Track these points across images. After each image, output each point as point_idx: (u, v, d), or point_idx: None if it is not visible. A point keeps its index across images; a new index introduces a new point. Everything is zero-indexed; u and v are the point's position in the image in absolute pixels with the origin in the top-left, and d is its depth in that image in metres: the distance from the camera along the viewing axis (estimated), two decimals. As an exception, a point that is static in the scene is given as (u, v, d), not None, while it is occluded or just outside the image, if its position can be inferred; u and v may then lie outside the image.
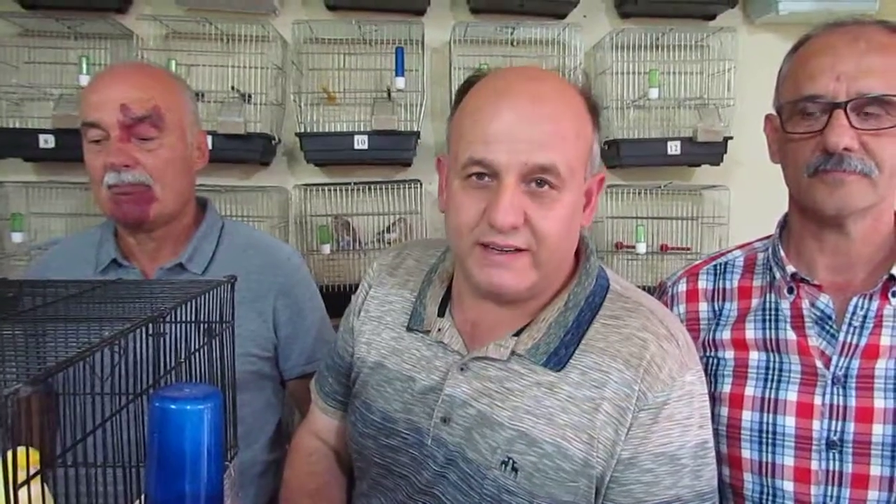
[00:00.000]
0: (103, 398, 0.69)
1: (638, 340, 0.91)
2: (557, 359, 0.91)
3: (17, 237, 2.17)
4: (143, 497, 0.67)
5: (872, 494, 0.97)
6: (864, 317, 1.01)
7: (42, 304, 0.76)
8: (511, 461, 0.90)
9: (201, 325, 0.82)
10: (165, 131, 1.27)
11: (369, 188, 2.30)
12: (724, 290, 1.16)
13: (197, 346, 0.75)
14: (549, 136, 0.86)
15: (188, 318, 0.78)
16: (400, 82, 2.20)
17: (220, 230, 1.40)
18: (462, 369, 0.96)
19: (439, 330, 0.99)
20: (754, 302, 1.11)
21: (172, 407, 0.55)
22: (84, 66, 2.11)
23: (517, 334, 0.95)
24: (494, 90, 0.90)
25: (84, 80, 2.10)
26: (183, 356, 0.75)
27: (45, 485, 0.57)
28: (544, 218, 0.87)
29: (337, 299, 1.86)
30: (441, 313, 1.02)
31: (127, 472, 0.73)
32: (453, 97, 2.18)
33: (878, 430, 0.97)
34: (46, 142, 2.11)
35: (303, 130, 2.21)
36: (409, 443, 0.99)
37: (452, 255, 1.04)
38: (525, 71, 0.95)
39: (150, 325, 0.69)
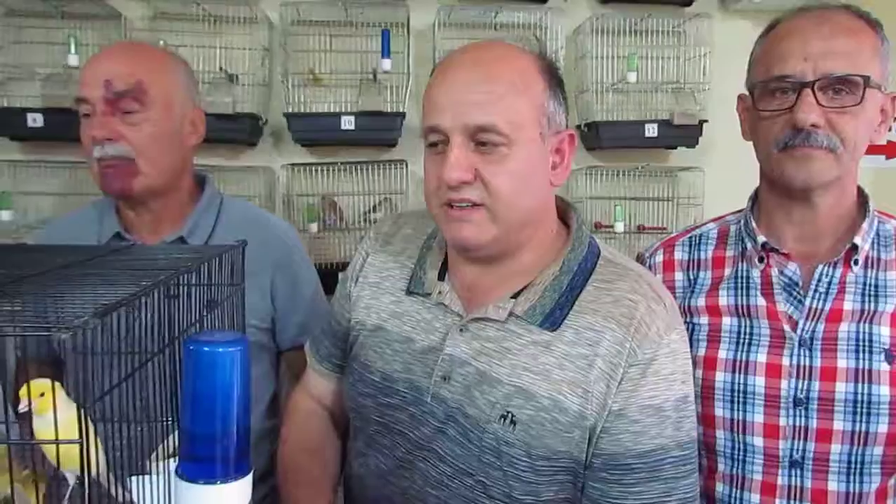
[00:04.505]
0: (121, 358, 0.73)
1: (628, 302, 0.97)
2: (553, 319, 0.97)
3: (5, 215, 2.19)
4: (175, 435, 0.73)
5: (835, 447, 1.04)
6: (829, 283, 1.08)
7: (64, 264, 0.80)
8: (510, 415, 0.96)
9: (214, 288, 0.87)
10: (149, 105, 1.29)
11: (355, 168, 2.34)
12: (699, 260, 1.22)
13: (216, 303, 0.80)
14: (486, 97, 0.93)
15: (201, 282, 0.83)
16: (386, 64, 2.24)
17: (219, 205, 1.43)
18: (461, 330, 1.02)
19: (440, 292, 1.05)
20: (727, 271, 1.18)
21: (206, 349, 0.60)
22: (73, 46, 2.13)
23: (515, 297, 1.00)
24: (445, 64, 1.00)
25: (73, 60, 2.12)
26: (198, 315, 0.80)
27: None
28: (494, 174, 0.93)
29: (324, 277, 1.90)
30: (441, 277, 1.08)
31: (153, 427, 0.77)
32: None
33: (841, 388, 1.04)
34: (35, 121, 2.13)
35: (290, 111, 2.25)
36: (408, 401, 1.04)
37: None
38: (475, 44, 1.02)
39: (165, 287, 0.74)
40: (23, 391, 0.58)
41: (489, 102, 0.93)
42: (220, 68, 2.24)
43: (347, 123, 2.21)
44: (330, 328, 1.23)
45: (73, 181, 2.28)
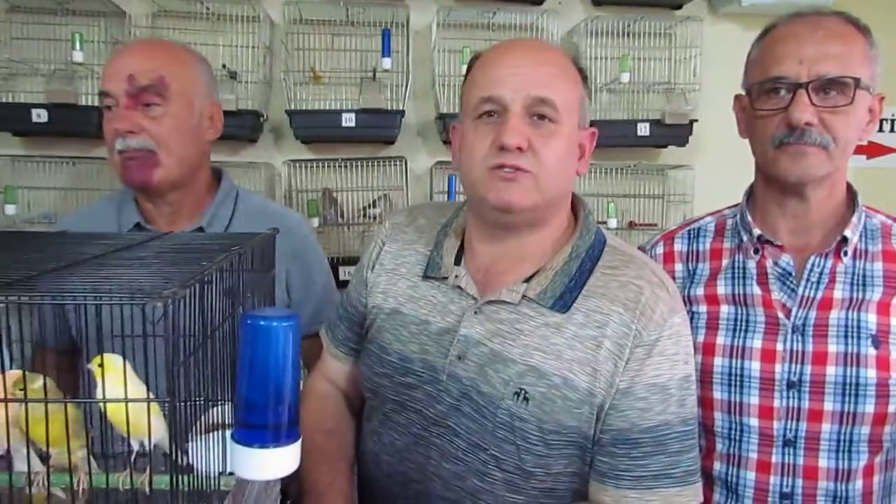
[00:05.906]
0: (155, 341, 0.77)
1: (634, 287, 1.03)
2: (563, 302, 1.03)
3: (10, 209, 2.21)
4: (220, 408, 0.78)
5: (826, 427, 1.11)
6: (820, 273, 1.15)
7: (109, 250, 0.84)
8: (523, 392, 1.01)
9: (246, 273, 0.91)
10: (170, 100, 1.33)
11: (355, 164, 2.39)
12: (698, 252, 1.29)
13: (252, 288, 0.85)
14: (548, 76, 1.02)
15: (242, 267, 0.88)
16: (386, 63, 2.29)
17: (236, 198, 1.48)
18: (476, 312, 1.07)
19: (456, 276, 1.11)
20: (724, 262, 1.24)
21: (262, 324, 0.65)
22: (78, 43, 2.15)
23: (527, 281, 1.06)
24: (500, 49, 1.08)
25: (78, 56, 2.15)
26: (240, 298, 0.85)
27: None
28: (544, 145, 1.01)
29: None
30: (456, 263, 1.13)
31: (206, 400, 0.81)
32: (437, 77, 2.27)
33: (831, 371, 1.11)
34: (39, 116, 2.15)
35: (292, 108, 2.29)
36: (424, 380, 1.10)
37: (467, 207, 1.16)
38: (524, 39, 1.10)
39: (229, 265, 0.78)
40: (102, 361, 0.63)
41: (550, 79, 1.02)
42: (223, 66, 2.27)
43: (348, 120, 2.25)
44: (346, 313, 1.28)
45: (76, 176, 2.31)
